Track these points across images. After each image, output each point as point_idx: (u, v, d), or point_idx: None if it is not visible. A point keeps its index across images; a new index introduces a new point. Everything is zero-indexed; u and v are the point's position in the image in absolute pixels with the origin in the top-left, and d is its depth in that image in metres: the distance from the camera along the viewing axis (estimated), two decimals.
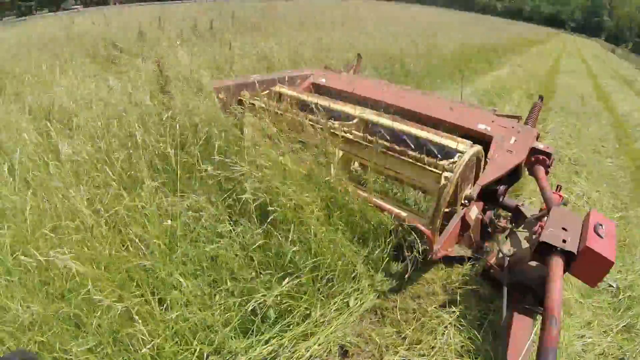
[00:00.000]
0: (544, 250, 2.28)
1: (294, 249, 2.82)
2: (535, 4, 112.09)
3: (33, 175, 3.14)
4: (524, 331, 2.42)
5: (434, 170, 3.11)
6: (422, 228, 2.88)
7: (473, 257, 3.43)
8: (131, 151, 3.34)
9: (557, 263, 2.19)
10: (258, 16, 15.88)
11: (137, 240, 2.53)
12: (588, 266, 2.21)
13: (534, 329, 2.57)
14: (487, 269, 2.92)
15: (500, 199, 3.47)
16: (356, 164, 4.19)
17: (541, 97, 5.12)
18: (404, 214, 3.11)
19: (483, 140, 3.56)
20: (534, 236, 2.70)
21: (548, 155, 3.47)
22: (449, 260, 3.40)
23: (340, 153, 3.56)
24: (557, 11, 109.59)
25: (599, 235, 2.25)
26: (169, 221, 2.71)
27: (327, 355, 2.66)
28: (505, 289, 2.49)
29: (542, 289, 2.16)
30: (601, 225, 2.32)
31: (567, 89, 13.90)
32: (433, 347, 2.76)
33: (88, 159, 3.29)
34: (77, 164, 3.25)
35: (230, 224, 2.95)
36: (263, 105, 3.86)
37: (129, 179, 3.17)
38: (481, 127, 3.72)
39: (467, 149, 3.06)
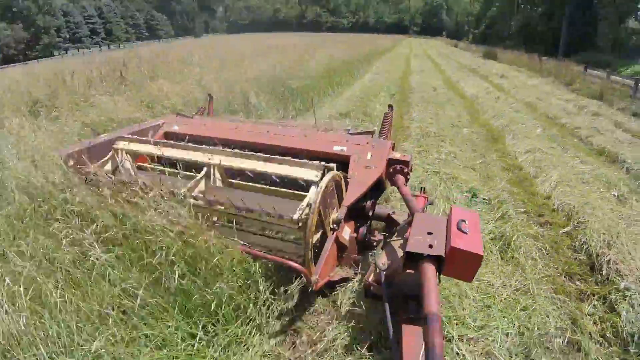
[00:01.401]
0: (413, 260, 2.37)
1: None
2: (378, 15, 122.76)
3: None
4: (415, 340, 2.48)
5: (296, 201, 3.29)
6: (295, 265, 2.97)
7: (355, 276, 3.57)
8: None
9: (428, 269, 2.27)
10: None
11: None
12: (459, 265, 2.31)
13: None
14: (367, 288, 2.97)
15: (370, 213, 3.73)
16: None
17: (390, 107, 5.51)
18: (274, 256, 3.17)
19: (341, 161, 3.85)
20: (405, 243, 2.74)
21: (405, 163, 3.75)
22: (331, 286, 3.50)
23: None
24: (400, 18, 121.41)
25: (462, 231, 2.38)
26: None
27: None
28: (386, 305, 2.51)
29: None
30: (464, 220, 2.46)
31: (422, 84, 16.80)
32: None
33: None
34: None
35: None
36: (100, 179, 3.64)
37: None
38: (337, 148, 3.98)
39: (322, 178, 3.20)
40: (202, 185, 3.70)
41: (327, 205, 3.12)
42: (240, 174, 3.95)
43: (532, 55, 29.44)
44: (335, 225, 3.15)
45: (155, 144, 4.14)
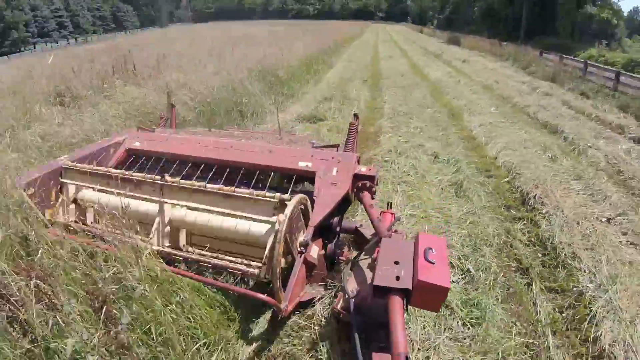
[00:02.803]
0: (381, 291, 2.40)
1: None
2: (343, 1, 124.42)
3: None
4: None
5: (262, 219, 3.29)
6: (264, 298, 2.97)
7: (325, 292, 3.57)
8: None
9: (396, 301, 2.32)
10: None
11: None
12: (426, 297, 2.35)
13: None
14: (336, 315, 3.00)
15: (337, 229, 3.77)
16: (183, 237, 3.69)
17: (356, 115, 5.40)
18: (240, 288, 3.24)
19: (307, 177, 4.03)
20: (374, 264, 2.75)
21: (371, 178, 3.77)
22: (302, 306, 3.45)
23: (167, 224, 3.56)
24: (364, 4, 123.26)
25: (430, 262, 2.42)
26: None
27: None
28: (356, 335, 2.52)
29: None
30: (431, 248, 2.50)
31: (390, 70, 18.55)
32: None
33: None
34: None
35: None
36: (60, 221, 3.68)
37: None
38: (302, 164, 3.99)
39: (288, 204, 3.15)
40: (155, 239, 3.56)
41: (292, 230, 3.12)
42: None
43: (494, 41, 31.60)
44: (302, 248, 3.17)
45: (106, 190, 3.85)
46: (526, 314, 3.73)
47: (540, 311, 3.74)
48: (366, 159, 6.94)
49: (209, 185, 3.55)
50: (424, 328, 3.33)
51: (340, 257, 3.79)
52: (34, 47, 70.28)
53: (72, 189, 4.05)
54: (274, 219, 3.18)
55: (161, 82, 10.16)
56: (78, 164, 4.11)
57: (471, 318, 3.49)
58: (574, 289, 3.99)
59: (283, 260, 3.07)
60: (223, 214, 3.45)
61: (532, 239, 4.97)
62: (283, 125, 7.95)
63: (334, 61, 20.26)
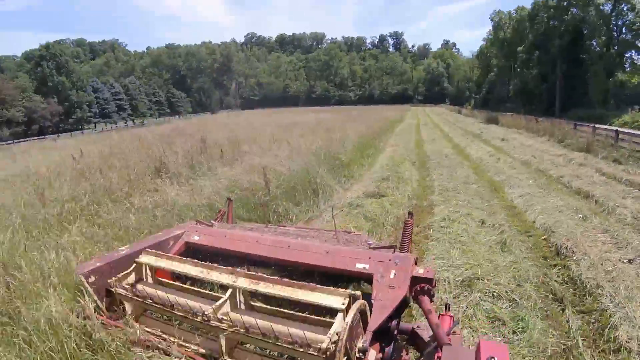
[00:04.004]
0: None
1: None
2: (382, 87, 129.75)
3: None
4: None
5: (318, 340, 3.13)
6: None
7: None
8: None
9: None
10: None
11: None
12: None
13: None
14: None
15: (395, 332, 3.66)
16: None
17: (410, 214, 5.59)
18: None
19: (364, 279, 4.08)
20: None
21: (430, 281, 3.68)
22: None
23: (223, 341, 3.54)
24: (403, 88, 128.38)
25: None
26: None
27: None
28: None
29: None
30: (493, 358, 2.48)
31: (434, 152, 20.39)
32: None
33: None
34: None
35: None
36: (127, 286, 3.94)
37: None
38: (359, 266, 3.98)
39: (349, 307, 3.21)
40: (226, 307, 3.69)
41: (352, 336, 3.10)
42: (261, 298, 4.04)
43: (530, 117, 33.33)
44: (361, 354, 3.14)
45: (182, 261, 4.21)
46: (560, 327, 5.07)
47: (571, 324, 5.06)
48: (424, 227, 8.51)
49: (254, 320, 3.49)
50: (485, 334, 4.74)
51: None
52: (95, 127, 77.43)
53: (137, 276, 4.27)
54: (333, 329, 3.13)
55: (245, 164, 12.36)
56: (149, 249, 4.40)
57: (518, 327, 4.87)
58: (598, 308, 5.29)
59: None
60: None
61: (565, 278, 6.29)
62: (353, 200, 9.62)
63: (382, 145, 22.18)
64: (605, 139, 20.53)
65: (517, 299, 5.49)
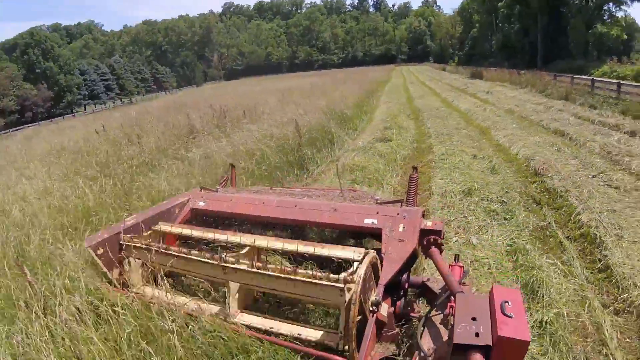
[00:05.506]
0: (461, 349, 2.40)
1: None
2: (366, 49, 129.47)
3: None
4: None
5: (335, 285, 3.12)
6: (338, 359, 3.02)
7: (395, 352, 3.42)
8: None
9: (476, 359, 2.32)
10: None
11: None
12: (507, 352, 2.33)
13: None
14: None
15: (406, 285, 3.70)
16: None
17: (415, 168, 5.65)
18: (318, 351, 3.20)
19: (374, 234, 4.15)
20: (447, 320, 2.86)
21: (438, 233, 3.73)
22: None
23: (237, 286, 3.65)
24: (387, 49, 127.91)
25: (507, 315, 2.40)
26: None
27: None
28: None
29: None
30: (507, 301, 2.50)
31: (425, 105, 22.21)
32: None
33: None
34: None
35: None
36: (144, 247, 3.99)
37: None
38: (368, 221, 4.04)
39: (362, 260, 3.32)
40: (245, 259, 3.77)
41: (365, 290, 3.13)
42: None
43: (513, 71, 34.98)
44: (374, 307, 3.17)
45: (194, 228, 4.34)
46: (538, 216, 6.87)
47: (546, 214, 6.86)
48: (428, 160, 10.32)
49: (270, 266, 3.64)
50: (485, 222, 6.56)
51: (412, 314, 3.66)
52: (85, 109, 77.82)
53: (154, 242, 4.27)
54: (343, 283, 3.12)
55: (271, 120, 14.18)
56: (135, 241, 4.23)
57: (507, 215, 6.69)
58: (567, 204, 7.05)
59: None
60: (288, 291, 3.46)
61: (542, 189, 8.07)
62: (366, 145, 11.35)
63: (375, 103, 23.86)
64: (583, 87, 22.22)
65: (506, 201, 7.29)
